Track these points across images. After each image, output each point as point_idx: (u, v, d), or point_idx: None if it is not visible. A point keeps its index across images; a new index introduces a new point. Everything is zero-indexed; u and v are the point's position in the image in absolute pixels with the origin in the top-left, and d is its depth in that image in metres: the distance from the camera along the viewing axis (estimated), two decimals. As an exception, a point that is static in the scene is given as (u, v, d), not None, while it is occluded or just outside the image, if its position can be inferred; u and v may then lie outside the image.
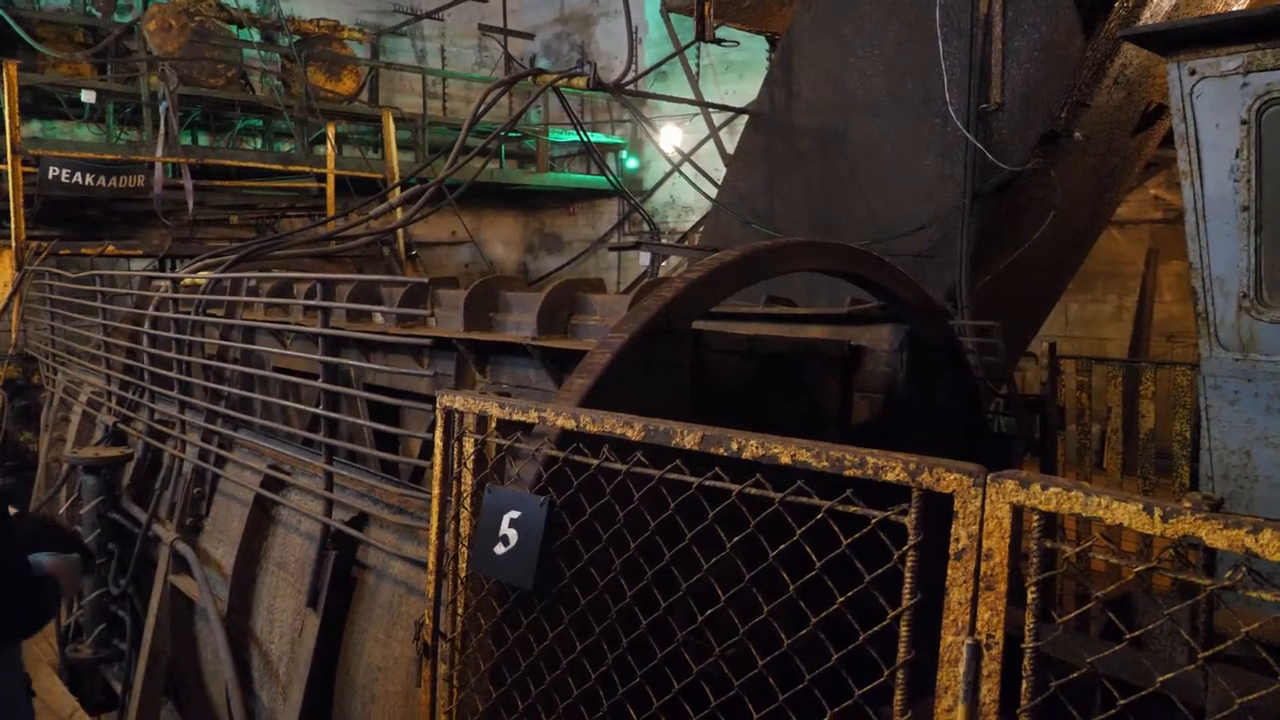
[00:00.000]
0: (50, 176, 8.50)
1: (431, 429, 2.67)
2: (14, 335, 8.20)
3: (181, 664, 4.35)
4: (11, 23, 10.06)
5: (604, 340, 2.59)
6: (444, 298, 3.73)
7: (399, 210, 7.42)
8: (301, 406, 3.90)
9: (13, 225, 8.30)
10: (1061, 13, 5.68)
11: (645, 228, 11.95)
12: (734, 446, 1.70)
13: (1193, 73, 3.59)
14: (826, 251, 3.18)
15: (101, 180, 8.81)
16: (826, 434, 3.29)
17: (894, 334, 3.45)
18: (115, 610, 4.70)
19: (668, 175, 9.68)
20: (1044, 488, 1.34)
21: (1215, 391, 3.55)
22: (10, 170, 8.28)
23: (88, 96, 10.00)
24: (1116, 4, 5.72)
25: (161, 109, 9.73)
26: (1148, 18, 5.80)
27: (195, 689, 4.33)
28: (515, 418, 2.17)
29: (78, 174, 8.63)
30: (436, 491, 2.34)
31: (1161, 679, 1.21)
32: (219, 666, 3.82)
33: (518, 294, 3.57)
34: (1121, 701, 1.24)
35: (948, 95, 5.92)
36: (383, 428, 3.33)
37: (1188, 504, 1.18)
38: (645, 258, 8.99)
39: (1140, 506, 1.22)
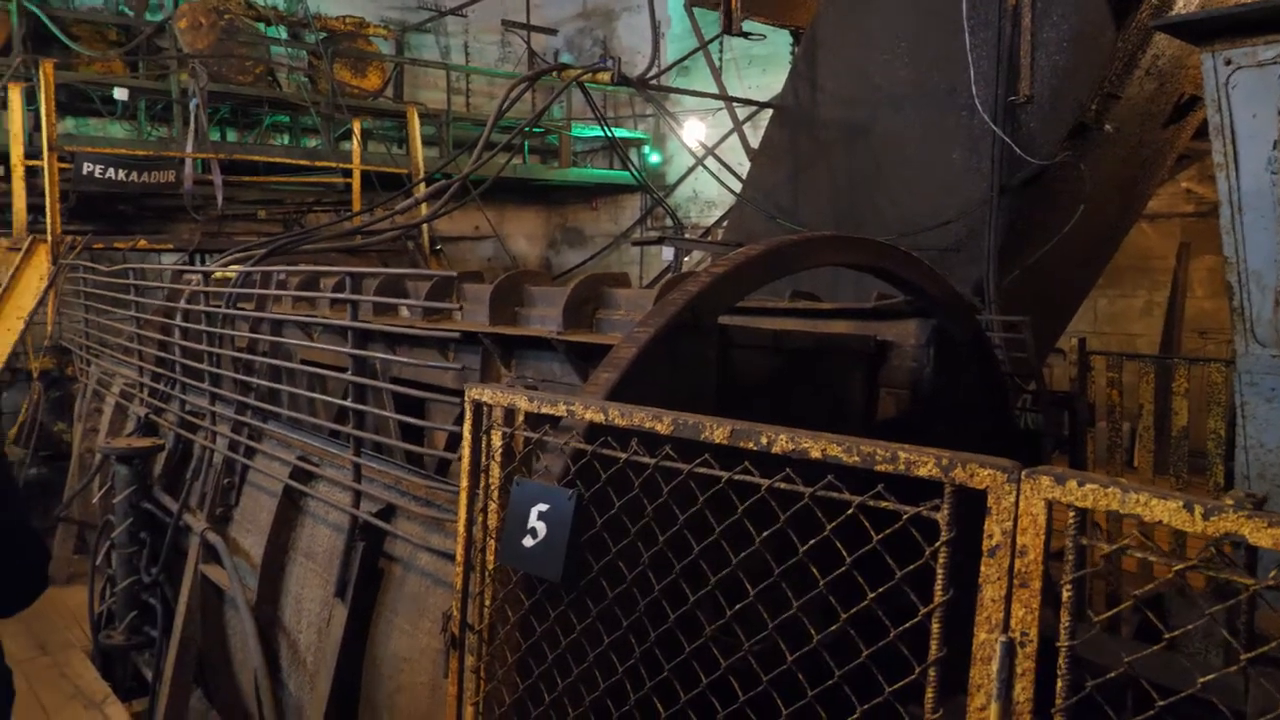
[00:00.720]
0: (85, 172, 8.62)
1: (458, 422, 2.68)
2: (49, 328, 8.33)
3: (211, 652, 4.40)
4: (48, 22, 10.21)
5: (630, 335, 2.59)
6: (469, 292, 3.74)
7: (424, 205, 7.45)
8: (329, 399, 3.93)
9: (48, 220, 8.43)
10: (1092, 2, 5.60)
11: (668, 222, 11.94)
12: (764, 441, 1.70)
13: (1228, 62, 3.53)
14: (853, 246, 3.16)
15: (134, 175, 8.92)
16: (852, 429, 3.28)
17: (920, 329, 3.43)
18: (147, 598, 4.77)
19: (691, 170, 9.66)
20: (1080, 484, 1.32)
21: (1252, 389, 3.49)
22: (46, 166, 8.41)
23: (120, 94, 10.13)
24: (1149, -7, 5.64)
25: (192, 106, 9.82)
26: (1181, 6, 5.71)
27: (224, 677, 4.38)
28: (543, 411, 2.17)
29: (111, 169, 8.74)
30: (465, 484, 2.35)
31: (1202, 680, 1.19)
32: (248, 655, 3.86)
33: (543, 288, 3.57)
34: (1160, 703, 1.22)
35: (974, 88, 5.85)
36: (409, 420, 3.35)
37: (1229, 501, 1.16)
38: (668, 253, 8.97)
39: (1180, 504, 1.20)
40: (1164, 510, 1.22)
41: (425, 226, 10.43)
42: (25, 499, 2.31)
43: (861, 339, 3.46)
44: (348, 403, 3.48)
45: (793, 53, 8.61)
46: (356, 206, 10.53)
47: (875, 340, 3.46)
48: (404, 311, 4.08)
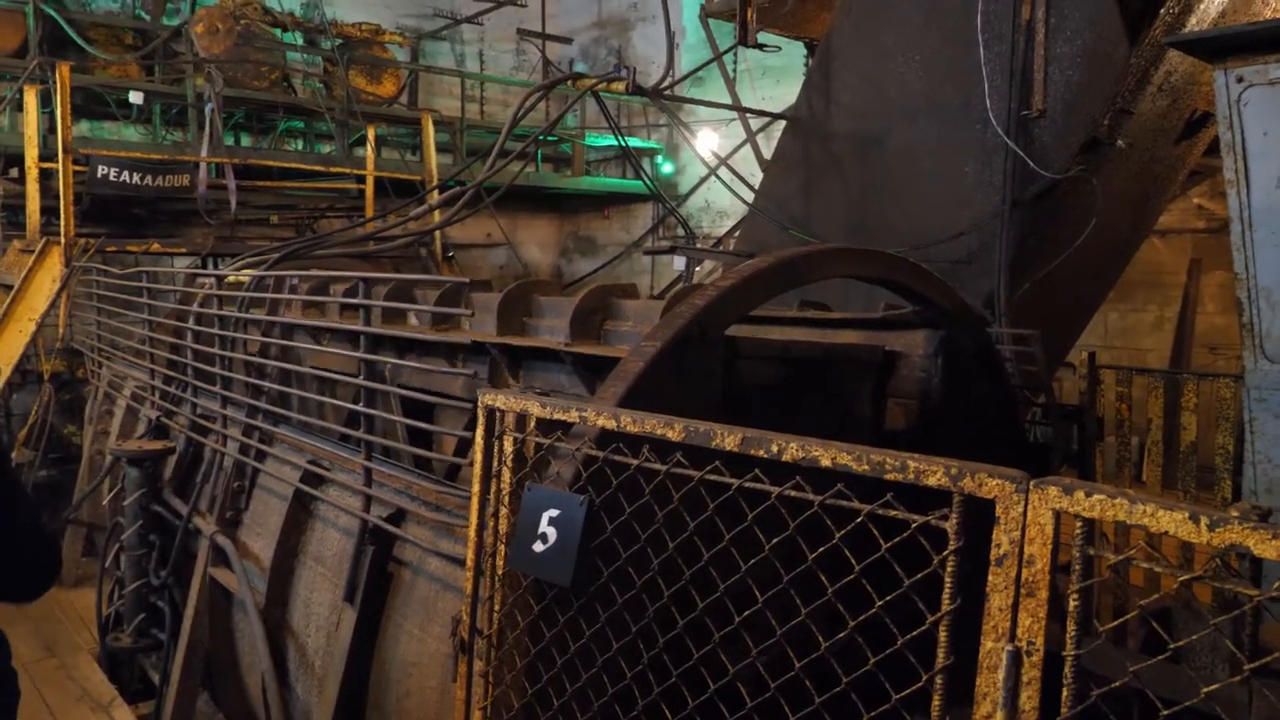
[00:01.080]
0: (100, 175, 8.69)
1: (467, 427, 2.70)
2: (61, 330, 8.39)
3: (219, 655, 4.42)
4: (64, 25, 10.31)
5: (637, 348, 2.60)
6: (478, 301, 3.76)
7: (437, 212, 7.50)
8: (340, 403, 3.96)
9: (62, 222, 8.49)
10: (1105, 19, 5.62)
11: (680, 232, 11.97)
12: (774, 449, 1.71)
13: (1240, 80, 3.54)
14: (861, 258, 3.16)
15: (148, 179, 8.98)
16: (860, 439, 3.27)
17: (928, 340, 3.42)
18: (155, 601, 4.79)
19: (704, 180, 9.71)
20: (1087, 494, 1.33)
21: (1260, 405, 3.49)
22: (61, 169, 8.48)
23: (135, 97, 10.20)
24: (1162, 10, 5.65)
25: (207, 110, 9.90)
26: (1194, 24, 5.73)
27: (232, 680, 4.40)
28: (555, 417, 2.19)
29: (126, 173, 8.81)
30: (476, 489, 2.37)
31: (1206, 690, 1.20)
32: (256, 658, 3.88)
33: (551, 299, 3.58)
34: (1165, 712, 1.23)
35: (988, 101, 5.87)
36: (419, 425, 3.37)
37: (1235, 513, 1.17)
38: (680, 262, 9.02)
39: (1186, 515, 1.21)
40: (1170, 521, 1.23)
41: (438, 233, 10.49)
42: (35, 501, 2.36)
43: (870, 349, 3.46)
44: (359, 407, 3.51)
45: (807, 64, 8.65)
46: (370, 213, 10.58)
47: (883, 350, 3.46)
48: (412, 319, 4.11)
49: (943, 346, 3.35)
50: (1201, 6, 5.72)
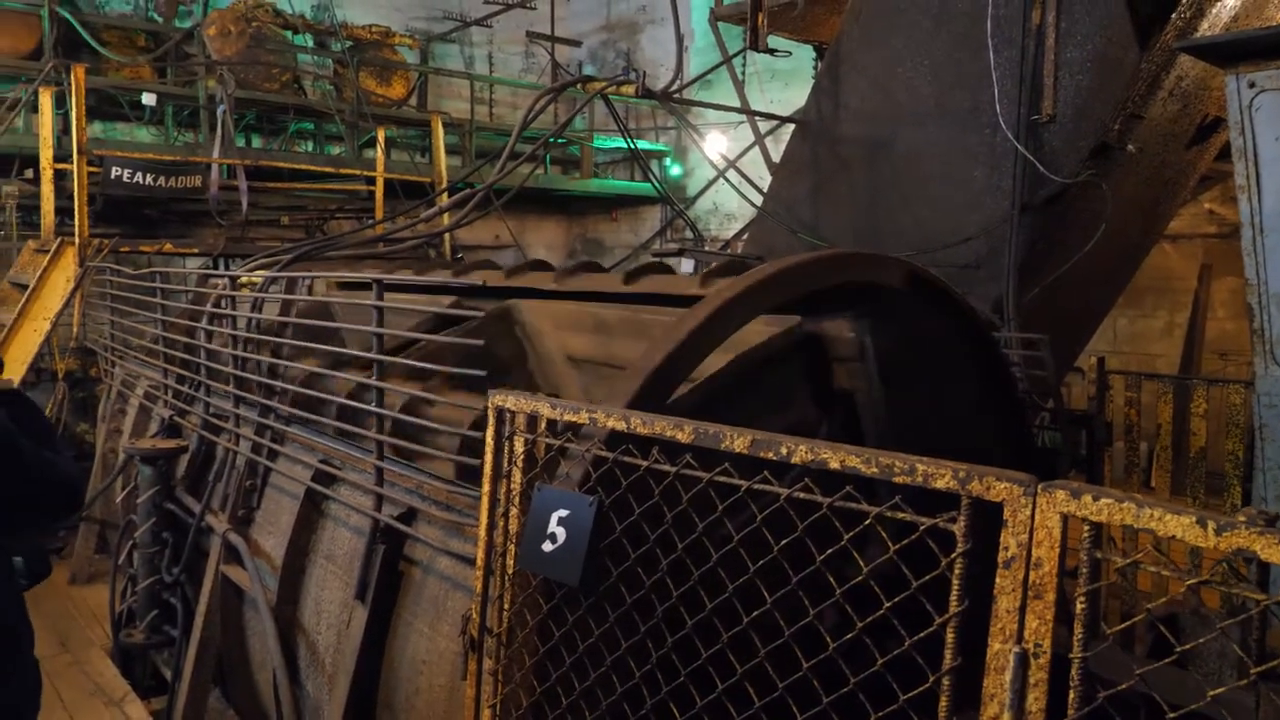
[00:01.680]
0: (113, 176, 8.75)
1: (478, 429, 2.70)
2: (75, 329, 8.45)
3: (230, 652, 4.45)
4: (79, 27, 10.39)
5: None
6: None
7: (446, 214, 7.52)
8: (351, 403, 3.97)
9: (76, 223, 8.55)
10: (1116, 24, 5.62)
11: (688, 234, 11.98)
12: (783, 451, 1.73)
13: (1252, 85, 3.54)
14: (768, 287, 2.99)
15: (160, 180, 9.04)
16: (806, 407, 3.21)
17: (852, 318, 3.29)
18: (167, 598, 4.82)
19: (712, 182, 9.72)
20: (1095, 498, 1.34)
21: (1270, 410, 3.49)
22: (75, 170, 8.54)
23: (148, 99, 10.28)
24: (1173, 15, 5.65)
25: (219, 112, 9.96)
26: (1205, 29, 5.72)
27: (243, 677, 4.42)
28: (565, 418, 2.21)
29: (139, 174, 8.87)
30: (486, 489, 2.39)
31: (1212, 693, 1.21)
32: (267, 656, 3.90)
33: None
34: (1171, 716, 1.24)
35: (998, 106, 5.88)
36: (414, 420, 3.37)
37: (1242, 517, 1.18)
38: (688, 264, 9.04)
39: (1193, 519, 1.22)
40: (1177, 525, 1.24)
41: (447, 235, 10.53)
42: (56, 438, 2.64)
43: (785, 333, 3.30)
44: (371, 407, 3.53)
45: (816, 68, 8.67)
46: (379, 214, 10.63)
47: (800, 326, 3.30)
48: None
49: (857, 296, 3.24)
50: (1213, 11, 5.71)
